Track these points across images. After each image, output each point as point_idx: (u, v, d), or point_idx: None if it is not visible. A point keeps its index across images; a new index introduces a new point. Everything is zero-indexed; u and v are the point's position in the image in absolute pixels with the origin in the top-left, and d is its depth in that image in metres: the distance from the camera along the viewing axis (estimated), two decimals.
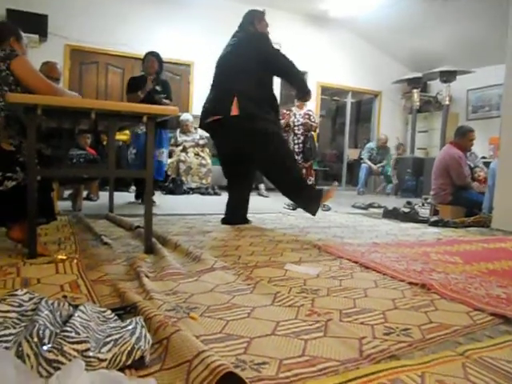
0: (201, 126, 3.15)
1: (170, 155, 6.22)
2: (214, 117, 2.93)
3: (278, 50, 3.00)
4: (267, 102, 2.96)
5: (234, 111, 2.80)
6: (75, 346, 0.86)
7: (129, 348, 0.92)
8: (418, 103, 8.15)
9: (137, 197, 4.50)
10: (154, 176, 4.40)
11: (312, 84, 8.06)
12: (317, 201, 2.99)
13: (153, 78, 4.21)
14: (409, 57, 8.50)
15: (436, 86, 8.50)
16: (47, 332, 0.90)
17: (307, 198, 3.03)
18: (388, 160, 7.84)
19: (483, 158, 6.46)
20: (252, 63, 2.87)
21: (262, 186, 6.13)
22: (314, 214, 3.13)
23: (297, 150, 6.22)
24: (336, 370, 0.98)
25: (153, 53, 4.36)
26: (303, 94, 3.14)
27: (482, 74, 7.51)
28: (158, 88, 4.25)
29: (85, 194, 4.35)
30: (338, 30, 8.02)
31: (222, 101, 2.90)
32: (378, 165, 7.70)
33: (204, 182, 6.12)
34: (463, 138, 4.36)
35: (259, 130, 2.84)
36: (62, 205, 3.58)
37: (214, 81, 3.11)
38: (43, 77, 2.03)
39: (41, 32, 5.78)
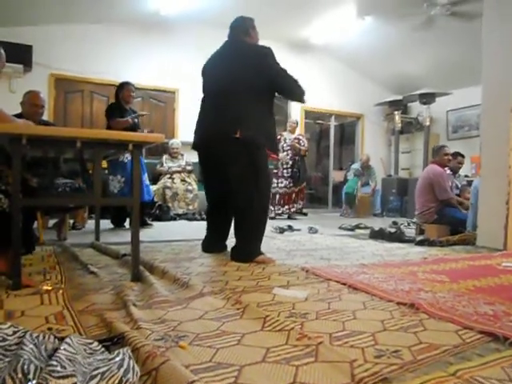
0: (198, 145, 2.94)
1: (156, 181, 6.22)
2: (219, 135, 2.72)
3: (284, 70, 2.78)
4: (267, 124, 2.81)
5: (239, 134, 2.62)
6: (61, 381, 0.84)
7: (116, 381, 0.90)
8: (399, 125, 8.33)
9: (117, 222, 4.56)
10: (149, 198, 4.57)
11: (296, 109, 8.21)
12: (252, 257, 2.69)
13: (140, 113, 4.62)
14: (389, 80, 8.72)
15: (416, 108, 8.70)
16: (32, 367, 0.88)
17: (256, 245, 2.77)
18: (373, 178, 7.93)
19: (466, 176, 6.58)
20: (261, 81, 2.70)
21: None
22: (242, 261, 2.67)
23: (285, 174, 6.33)
24: None
25: (129, 83, 4.54)
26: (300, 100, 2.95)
27: (459, 96, 7.73)
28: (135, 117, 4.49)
29: (71, 222, 4.32)
30: (320, 56, 8.21)
31: (230, 120, 2.69)
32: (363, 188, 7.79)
33: (191, 207, 6.11)
34: (439, 155, 4.54)
35: (256, 159, 2.70)
36: (47, 234, 3.53)
37: (209, 96, 2.87)
38: None
39: (25, 62, 5.80)
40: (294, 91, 2.84)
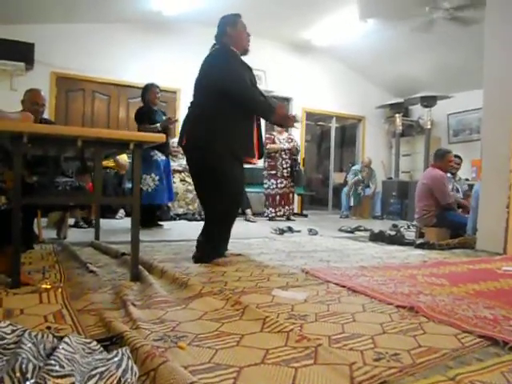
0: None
1: None
2: (182, 143, 2.78)
3: (229, 69, 2.61)
4: (233, 130, 2.66)
5: (185, 139, 2.69)
6: (59, 381, 0.84)
7: (115, 381, 0.90)
8: (400, 127, 8.33)
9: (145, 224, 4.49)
10: (167, 198, 4.68)
11: (297, 109, 8.19)
12: (211, 256, 2.65)
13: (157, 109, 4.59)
14: (391, 83, 8.72)
15: (417, 111, 8.70)
16: (30, 366, 0.87)
17: (210, 248, 2.69)
18: (373, 181, 7.95)
19: (466, 180, 6.58)
20: (212, 84, 2.63)
21: (248, 211, 6.13)
22: (200, 261, 2.64)
23: (285, 174, 6.34)
24: None
25: (154, 84, 4.56)
26: (268, 118, 2.73)
27: (461, 99, 7.72)
28: (164, 118, 4.51)
29: (73, 221, 4.34)
30: (322, 58, 8.21)
31: (183, 125, 2.79)
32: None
33: (191, 207, 6.10)
34: (443, 160, 4.48)
35: (206, 163, 2.63)
36: (46, 233, 3.53)
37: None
38: None
39: (27, 60, 5.78)
40: (231, 95, 2.62)
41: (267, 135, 6.48)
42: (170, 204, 5.90)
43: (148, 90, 4.50)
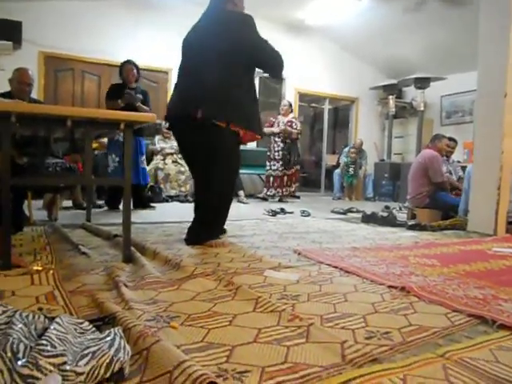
0: (166, 119, 2.80)
1: (149, 162, 6.17)
2: (180, 114, 2.58)
3: (264, 41, 2.53)
4: (243, 101, 2.55)
5: (199, 113, 2.43)
6: (51, 360, 0.84)
7: (107, 360, 0.90)
8: (393, 109, 8.30)
9: (112, 204, 4.46)
10: (140, 181, 4.43)
11: (290, 91, 8.13)
12: (203, 238, 2.60)
13: (135, 87, 4.40)
14: (384, 64, 8.66)
15: (411, 93, 8.67)
16: (21, 346, 0.87)
17: (209, 233, 2.64)
18: (365, 160, 7.98)
19: (458, 162, 6.61)
20: (235, 53, 2.45)
21: (241, 193, 6.13)
22: (189, 243, 2.61)
23: (277, 157, 6.32)
24: (319, 376, 0.98)
25: (130, 61, 4.46)
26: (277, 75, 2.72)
27: (454, 81, 7.70)
28: (139, 96, 4.34)
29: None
30: (315, 38, 8.11)
31: (188, 98, 2.54)
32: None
33: (183, 189, 6.08)
34: (440, 142, 4.52)
35: (213, 142, 2.50)
36: (37, 214, 3.50)
37: (182, 68, 2.68)
38: None
39: (15, 39, 5.65)
40: (271, 65, 2.63)
41: (271, 118, 6.46)
42: (161, 186, 5.88)
43: (122, 68, 4.43)
